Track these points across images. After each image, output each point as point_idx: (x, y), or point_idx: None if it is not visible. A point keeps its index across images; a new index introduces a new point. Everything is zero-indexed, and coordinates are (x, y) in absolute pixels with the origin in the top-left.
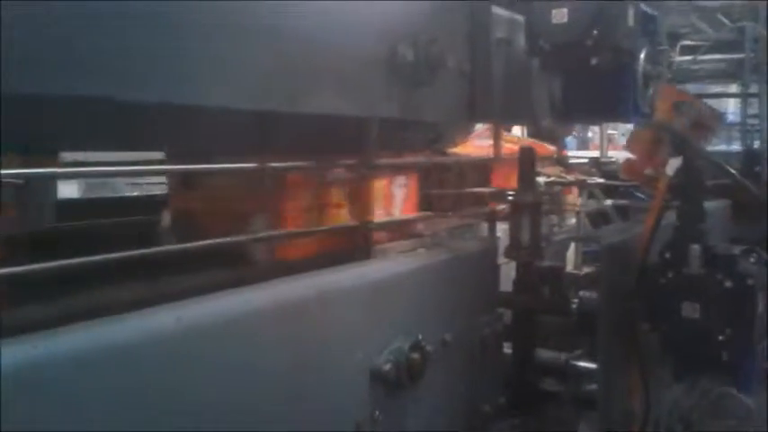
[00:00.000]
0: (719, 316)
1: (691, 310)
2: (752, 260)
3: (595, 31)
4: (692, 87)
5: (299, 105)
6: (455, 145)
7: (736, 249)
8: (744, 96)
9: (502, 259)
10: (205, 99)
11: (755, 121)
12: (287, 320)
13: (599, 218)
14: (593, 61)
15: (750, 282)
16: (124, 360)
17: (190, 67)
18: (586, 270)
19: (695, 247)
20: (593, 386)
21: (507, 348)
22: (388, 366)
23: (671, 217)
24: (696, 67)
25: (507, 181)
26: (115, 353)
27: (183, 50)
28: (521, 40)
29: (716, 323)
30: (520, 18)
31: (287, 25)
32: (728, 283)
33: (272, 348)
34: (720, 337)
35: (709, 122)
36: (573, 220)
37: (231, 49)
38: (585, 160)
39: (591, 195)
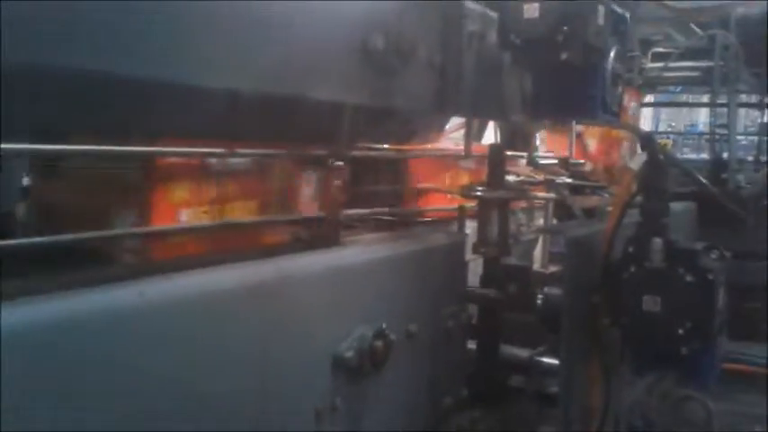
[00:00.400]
0: (680, 310)
1: (652, 303)
2: (713, 256)
3: (566, 28)
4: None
5: (272, 86)
6: (429, 140)
7: (698, 245)
8: (712, 106)
9: (470, 255)
10: (176, 77)
11: (724, 131)
12: (249, 303)
13: (565, 214)
14: (563, 57)
15: (711, 277)
16: (85, 334)
17: (162, 45)
18: (553, 269)
19: (657, 241)
20: (556, 383)
21: (472, 344)
22: (350, 353)
23: (635, 214)
24: (667, 74)
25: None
26: (76, 326)
27: (154, 29)
28: (493, 35)
29: (676, 317)
30: (492, 12)
31: (262, 7)
32: (689, 278)
33: (233, 330)
34: (680, 331)
35: None
36: (541, 221)
37: (204, 30)
38: (555, 161)
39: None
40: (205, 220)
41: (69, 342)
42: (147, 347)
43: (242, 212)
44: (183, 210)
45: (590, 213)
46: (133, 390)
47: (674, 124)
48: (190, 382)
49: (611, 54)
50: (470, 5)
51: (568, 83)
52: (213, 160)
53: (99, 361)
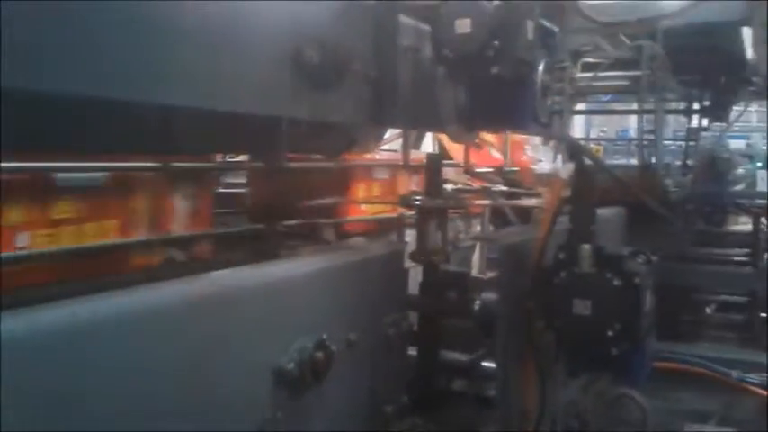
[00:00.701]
0: (608, 313)
1: (582, 307)
2: (639, 260)
3: (496, 42)
4: (593, 105)
5: (204, 102)
6: (367, 151)
7: (625, 250)
8: (640, 113)
9: (409, 263)
10: (106, 92)
11: (652, 137)
12: (187, 318)
13: (500, 221)
14: (494, 71)
15: (637, 280)
16: (12, 355)
17: (91, 60)
18: (490, 274)
19: (585, 248)
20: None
21: (413, 350)
22: (291, 365)
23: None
24: (597, 83)
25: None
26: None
27: (84, 44)
28: (427, 49)
29: (605, 319)
30: (426, 27)
31: (190, 21)
32: (617, 282)
33: (170, 347)
34: (610, 333)
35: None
36: (478, 227)
37: (134, 44)
38: (491, 169)
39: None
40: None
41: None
42: (80, 366)
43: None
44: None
45: (525, 219)
46: (68, 410)
47: (606, 129)
48: (126, 401)
49: (541, 67)
50: (405, 20)
51: (500, 95)
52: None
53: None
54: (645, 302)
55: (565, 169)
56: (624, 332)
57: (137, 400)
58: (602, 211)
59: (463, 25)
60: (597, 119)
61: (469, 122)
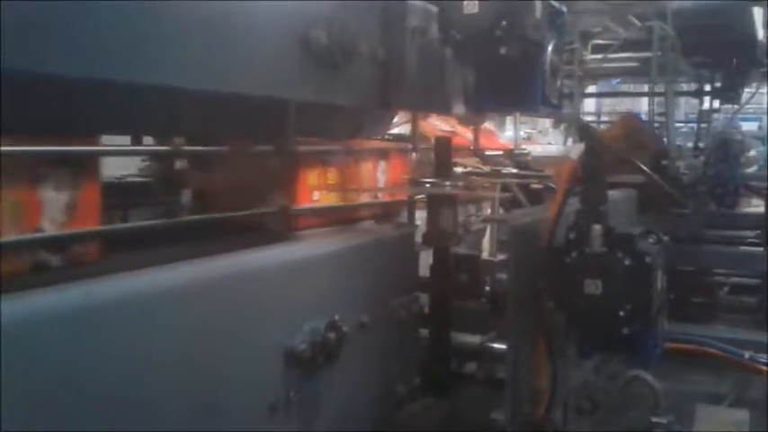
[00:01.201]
0: (620, 293)
1: (593, 287)
2: (650, 240)
3: (504, 22)
4: (603, 85)
5: (214, 84)
6: (376, 136)
7: (635, 230)
8: (651, 95)
9: (420, 246)
10: (118, 74)
11: (663, 119)
12: (201, 299)
13: (511, 203)
14: (503, 51)
15: (648, 260)
16: (30, 336)
17: (104, 42)
18: (501, 257)
19: (596, 228)
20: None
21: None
22: (303, 346)
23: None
24: (607, 65)
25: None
26: (17, 328)
27: (95, 26)
28: (435, 30)
29: (616, 299)
30: (433, 8)
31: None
32: (628, 262)
33: (185, 327)
34: (621, 313)
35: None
36: (488, 210)
37: (145, 27)
38: (500, 152)
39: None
40: None
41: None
42: (96, 347)
43: None
44: None
45: (536, 201)
46: (79, 387)
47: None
48: (140, 379)
49: (550, 47)
50: (411, 2)
51: (509, 76)
52: None
53: (45, 360)
54: (656, 282)
55: (575, 149)
56: (635, 312)
57: (150, 380)
58: (613, 193)
59: (470, 5)
60: (607, 102)
61: (478, 104)
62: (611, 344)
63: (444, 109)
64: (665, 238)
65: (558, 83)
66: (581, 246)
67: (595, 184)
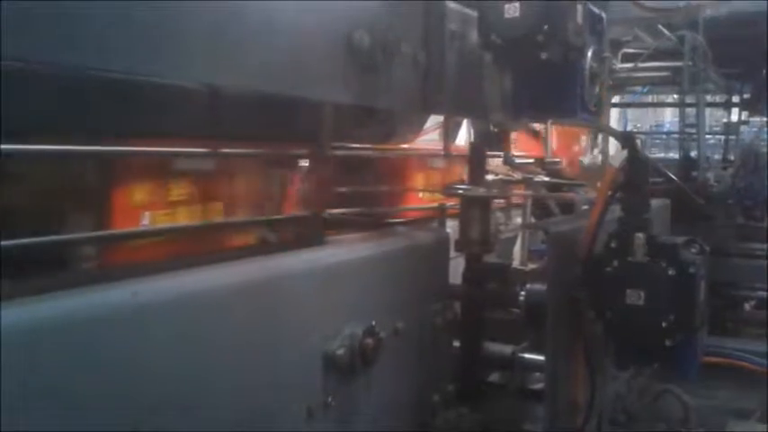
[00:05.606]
0: (663, 303)
1: (635, 297)
2: (693, 250)
3: (546, 27)
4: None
5: (256, 84)
6: (407, 140)
7: (679, 239)
8: (681, 106)
9: (452, 253)
10: (161, 73)
11: (692, 130)
12: (240, 303)
13: (542, 212)
14: (543, 56)
15: (692, 270)
16: (80, 334)
17: (147, 40)
18: (532, 266)
19: (640, 236)
20: (538, 378)
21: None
22: (341, 351)
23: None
24: (637, 74)
25: None
26: (71, 326)
27: (138, 23)
28: (474, 35)
29: (660, 310)
30: (473, 12)
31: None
32: (671, 271)
33: (224, 330)
34: (663, 324)
35: None
36: (519, 219)
37: (188, 27)
38: (531, 160)
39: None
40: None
41: (63, 341)
42: (138, 347)
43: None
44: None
45: (567, 210)
46: (123, 389)
47: (639, 125)
48: (181, 382)
49: (589, 53)
50: (452, 5)
51: (548, 82)
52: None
53: (90, 361)
54: (699, 293)
55: (617, 158)
56: (679, 323)
57: (190, 384)
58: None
59: (512, 9)
60: (631, 113)
61: (516, 110)
62: (653, 356)
63: (481, 114)
64: (707, 248)
65: (597, 90)
66: (623, 255)
67: (638, 192)
